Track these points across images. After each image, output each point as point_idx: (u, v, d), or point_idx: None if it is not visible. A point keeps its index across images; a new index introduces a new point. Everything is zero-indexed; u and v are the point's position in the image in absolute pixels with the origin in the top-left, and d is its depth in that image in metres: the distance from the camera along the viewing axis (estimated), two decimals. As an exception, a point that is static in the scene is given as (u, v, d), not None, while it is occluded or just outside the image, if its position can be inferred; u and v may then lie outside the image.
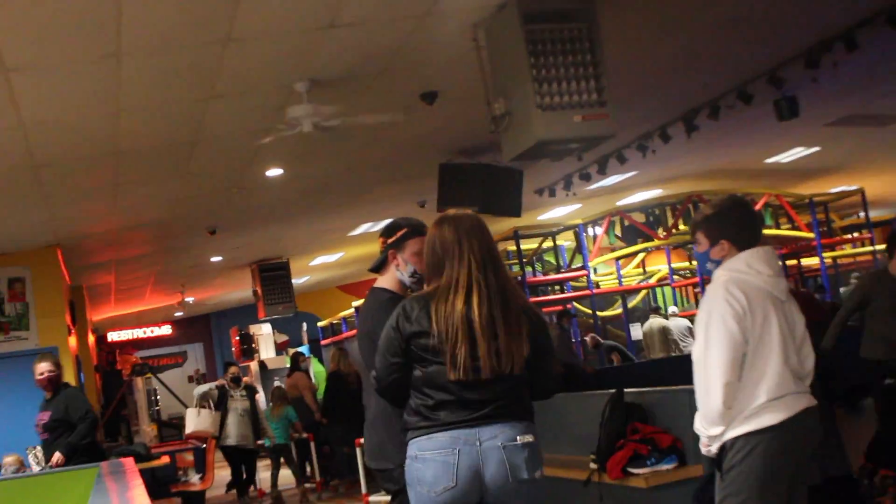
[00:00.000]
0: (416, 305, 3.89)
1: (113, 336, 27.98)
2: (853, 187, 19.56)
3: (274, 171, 11.51)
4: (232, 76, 7.87)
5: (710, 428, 3.99)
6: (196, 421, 13.84)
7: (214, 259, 17.97)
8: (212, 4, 6.45)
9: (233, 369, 14.72)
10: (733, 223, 4.21)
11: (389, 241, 4.57)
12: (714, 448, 4.03)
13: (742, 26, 8.96)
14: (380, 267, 4.62)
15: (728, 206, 4.27)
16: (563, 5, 7.21)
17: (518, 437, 3.79)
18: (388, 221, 4.74)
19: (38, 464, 10.12)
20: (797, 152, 16.13)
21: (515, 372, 3.80)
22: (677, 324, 17.94)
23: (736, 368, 3.92)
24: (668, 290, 21.59)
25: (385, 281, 4.61)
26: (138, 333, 28.48)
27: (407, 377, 3.90)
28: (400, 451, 4.00)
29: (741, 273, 4.06)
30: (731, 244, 4.16)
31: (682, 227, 16.47)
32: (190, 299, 22.81)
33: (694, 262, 19.37)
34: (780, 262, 4.22)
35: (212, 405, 13.90)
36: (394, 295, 4.50)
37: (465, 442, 3.77)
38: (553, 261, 19.92)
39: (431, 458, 3.78)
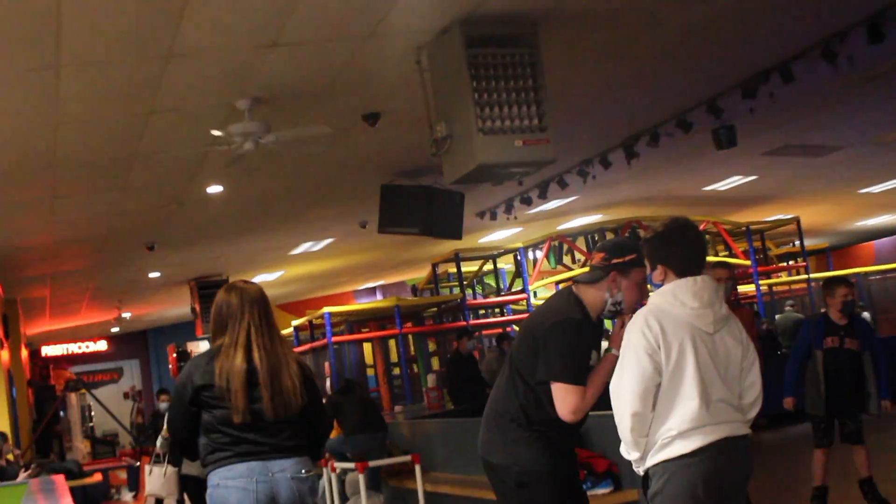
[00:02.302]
0: (203, 361, 4.47)
1: (47, 351, 27.59)
2: (789, 216, 19.89)
3: (214, 188, 11.45)
4: (173, 92, 7.82)
5: (628, 453, 4.02)
6: (149, 481, 10.47)
7: (152, 275, 17.81)
8: (154, 19, 6.42)
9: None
10: (671, 248, 4.11)
11: (615, 260, 4.42)
12: (640, 471, 4.06)
13: (681, 55, 9.08)
14: (594, 281, 4.46)
15: (665, 230, 4.17)
16: (506, 31, 7.25)
17: (303, 470, 4.48)
18: (612, 241, 4.63)
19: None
20: (735, 180, 16.35)
21: (294, 415, 4.46)
22: (616, 348, 18.03)
23: (646, 399, 3.92)
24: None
25: (586, 293, 4.46)
26: (73, 348, 28.13)
27: (196, 423, 4.45)
28: (504, 451, 4.45)
29: (664, 303, 4.04)
30: (668, 269, 4.09)
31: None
32: (127, 315, 22.58)
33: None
34: (714, 293, 4.15)
35: (164, 458, 10.29)
36: (579, 318, 4.40)
37: (259, 472, 4.38)
38: (493, 283, 19.98)
39: (234, 485, 4.36)
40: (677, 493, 3.91)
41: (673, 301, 4.02)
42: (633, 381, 3.92)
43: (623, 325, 4.28)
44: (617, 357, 4.13)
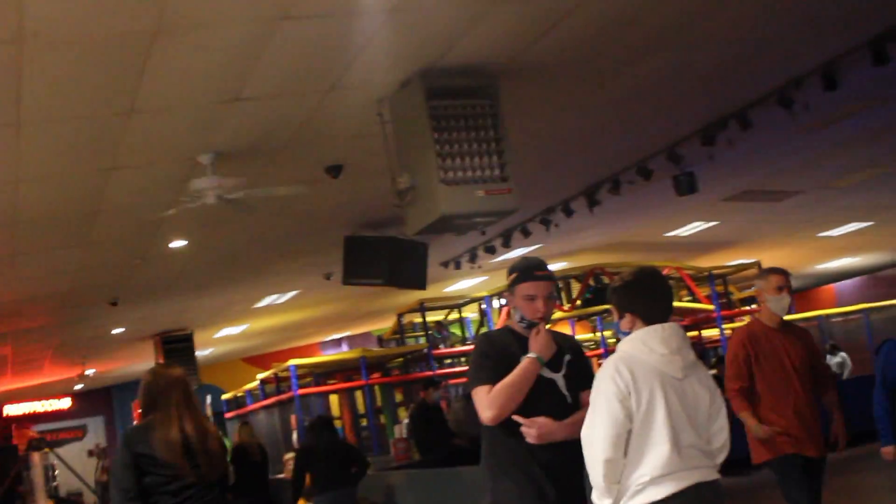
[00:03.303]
0: (141, 433, 5.22)
1: (9, 410, 27.22)
2: (751, 260, 20.03)
3: (178, 243, 11.42)
4: (135, 147, 7.83)
5: (601, 500, 4.03)
6: None
7: (116, 331, 17.67)
8: (115, 76, 6.43)
9: None
10: (638, 297, 4.17)
11: (507, 283, 4.64)
12: None
13: (640, 104, 9.19)
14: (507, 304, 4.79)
15: (633, 280, 4.22)
16: (466, 82, 7.32)
17: None
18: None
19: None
20: (696, 226, 16.49)
21: (221, 476, 5.29)
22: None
23: (618, 446, 3.94)
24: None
25: (512, 321, 4.65)
26: (36, 407, 27.76)
27: (139, 488, 5.13)
28: (498, 489, 4.47)
29: (634, 350, 4.08)
30: (635, 317, 4.13)
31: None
32: (91, 372, 22.34)
33: (597, 334, 19.57)
34: (682, 339, 4.19)
35: None
36: (513, 332, 4.57)
37: None
38: (459, 332, 19.96)
39: None
40: None
41: (642, 348, 4.06)
42: (604, 428, 3.94)
43: (542, 332, 4.48)
44: (533, 360, 4.38)
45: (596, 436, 3.97)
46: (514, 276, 4.58)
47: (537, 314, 4.51)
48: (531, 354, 4.40)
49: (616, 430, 3.93)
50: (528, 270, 4.57)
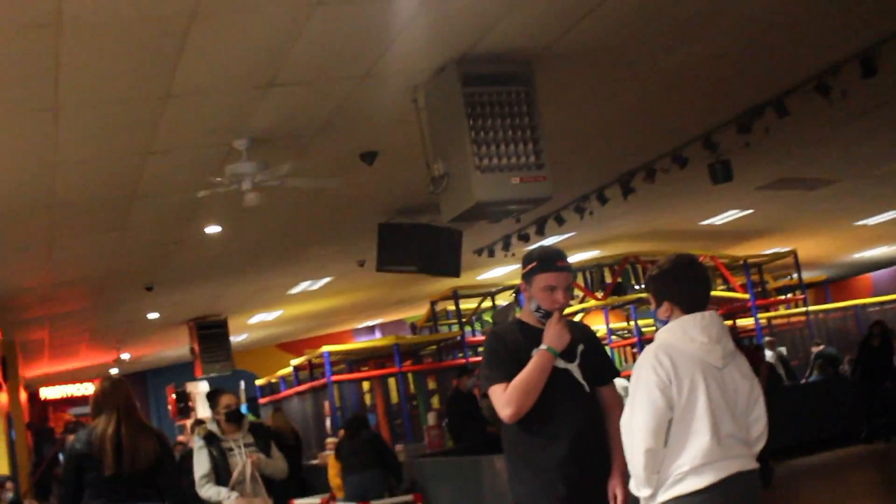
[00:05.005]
0: (84, 436, 6.13)
1: (46, 393, 27.49)
2: (786, 249, 19.91)
3: (213, 228, 11.47)
4: (171, 132, 7.86)
5: (639, 490, 4.01)
6: None
7: (151, 316, 17.80)
8: (151, 60, 6.47)
9: (226, 399, 7.99)
10: (676, 285, 4.13)
11: (522, 273, 4.56)
12: None
13: (675, 91, 9.14)
14: (521, 293, 4.69)
15: (671, 267, 4.17)
16: (502, 69, 7.30)
17: None
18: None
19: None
20: (731, 214, 16.40)
21: (145, 470, 6.09)
22: (618, 384, 17.97)
23: (658, 435, 3.92)
24: (609, 350, 21.70)
25: (524, 312, 4.60)
26: (72, 390, 28.02)
27: (80, 483, 6.09)
28: (515, 485, 4.47)
29: (674, 339, 4.05)
30: (674, 305, 4.10)
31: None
32: (126, 356, 22.53)
33: (632, 323, 19.52)
34: (721, 328, 4.16)
35: None
36: (523, 325, 4.53)
37: None
38: (492, 321, 19.95)
39: None
40: None
41: (682, 337, 4.04)
42: (645, 418, 3.91)
43: (556, 322, 4.42)
44: (545, 352, 4.34)
45: (636, 425, 3.94)
46: (532, 265, 4.49)
47: (556, 305, 4.44)
48: (543, 347, 4.35)
49: (657, 420, 3.91)
50: (550, 260, 4.48)
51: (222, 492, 7.32)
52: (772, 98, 9.49)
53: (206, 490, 7.39)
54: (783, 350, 18.27)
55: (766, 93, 9.46)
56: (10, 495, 13.06)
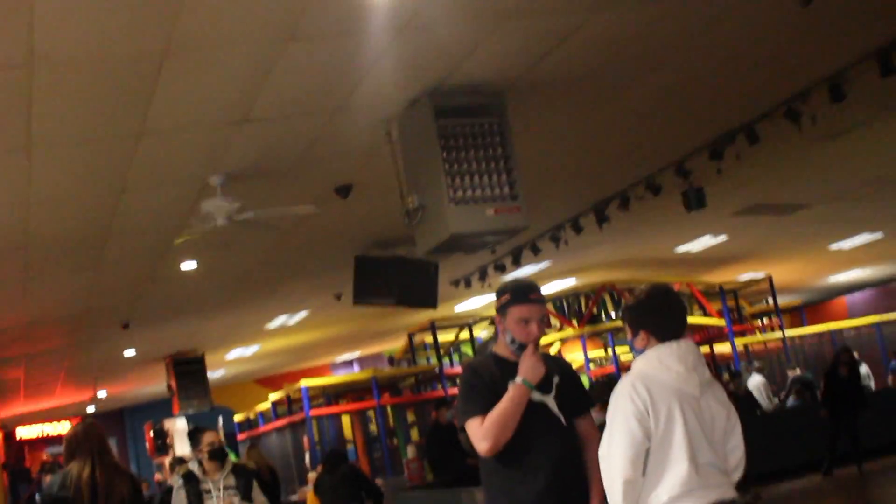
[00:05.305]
0: (59, 479, 6.18)
1: (22, 432, 27.23)
2: (761, 274, 20.00)
3: (188, 264, 11.44)
4: (145, 169, 7.86)
5: None
6: None
7: (128, 353, 17.69)
8: (124, 99, 6.47)
9: (209, 437, 7.82)
10: (651, 314, 4.13)
11: (496, 305, 4.53)
12: None
13: (647, 119, 9.20)
14: (496, 326, 4.60)
15: (646, 297, 4.19)
16: (474, 101, 7.34)
17: None
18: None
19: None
20: (706, 241, 16.46)
21: None
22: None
23: (637, 465, 3.92)
24: (584, 378, 21.72)
25: (499, 345, 4.56)
26: (49, 429, 27.76)
27: None
28: None
29: (650, 369, 4.05)
30: (650, 335, 4.09)
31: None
32: (103, 394, 22.37)
33: (609, 351, 19.55)
34: (697, 356, 4.17)
35: None
36: (498, 358, 4.50)
37: None
38: (470, 352, 19.96)
39: None
40: None
41: (658, 366, 4.04)
42: (623, 447, 3.90)
43: (531, 355, 4.38)
44: (521, 385, 4.30)
45: (614, 455, 3.94)
46: (505, 297, 4.47)
47: (530, 337, 4.42)
48: (518, 379, 4.32)
49: (635, 450, 3.90)
50: (523, 293, 4.47)
51: None
52: (743, 124, 9.56)
53: None
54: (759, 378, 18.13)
55: (737, 119, 9.54)
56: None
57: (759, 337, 21.11)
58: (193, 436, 7.73)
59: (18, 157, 7.07)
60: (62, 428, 27.78)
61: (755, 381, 17.49)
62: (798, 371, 18.49)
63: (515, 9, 6.24)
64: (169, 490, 8.92)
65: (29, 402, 22.06)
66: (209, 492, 7.43)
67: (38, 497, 20.09)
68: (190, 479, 7.48)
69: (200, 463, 7.54)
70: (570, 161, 10.21)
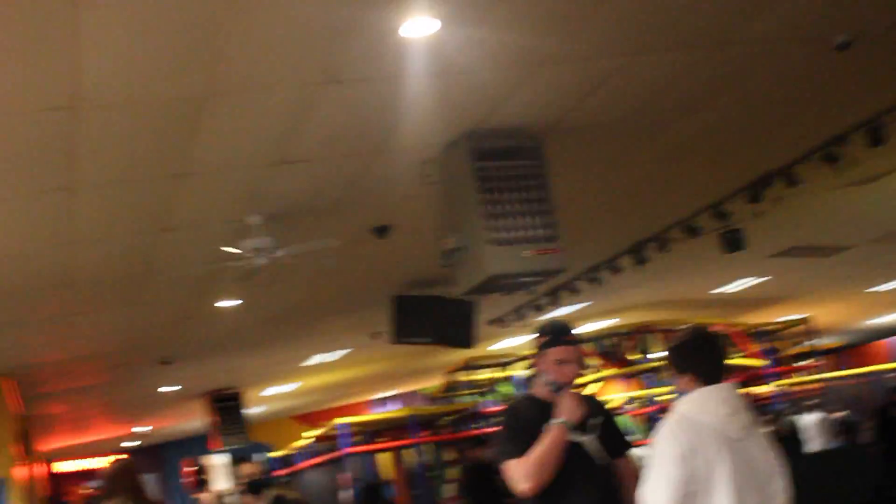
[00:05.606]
0: None
1: (63, 467, 27.38)
2: (800, 316, 19.82)
3: (228, 302, 11.53)
4: (185, 209, 7.96)
5: None
6: None
7: (167, 389, 17.79)
8: (166, 140, 6.57)
9: (248, 468, 8.39)
10: (694, 356, 4.16)
11: (534, 346, 4.60)
12: None
13: (685, 162, 9.20)
14: (534, 367, 4.66)
15: (688, 340, 4.23)
16: (512, 143, 7.37)
17: None
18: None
19: None
20: (744, 282, 16.37)
21: None
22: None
23: None
24: (625, 418, 21.55)
25: (536, 386, 4.61)
26: (88, 464, 27.89)
27: None
28: None
29: (693, 411, 4.05)
30: (692, 377, 4.12)
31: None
32: (142, 429, 22.48)
33: (648, 391, 19.41)
34: (739, 399, 4.16)
35: None
36: (535, 399, 4.55)
37: None
38: (507, 390, 19.87)
39: None
40: None
41: (701, 409, 4.03)
42: (663, 490, 3.89)
43: (569, 396, 4.42)
44: (559, 426, 4.33)
45: (655, 497, 3.93)
46: (543, 339, 4.53)
47: (567, 378, 4.47)
48: (557, 420, 4.35)
49: (675, 494, 3.88)
50: (560, 334, 4.53)
51: None
52: (781, 167, 9.54)
53: None
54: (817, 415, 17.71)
55: (775, 162, 9.52)
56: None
57: (797, 379, 20.87)
58: (234, 465, 7.90)
59: (62, 196, 7.17)
60: (100, 463, 27.93)
61: (810, 419, 17.24)
62: (839, 413, 18.25)
63: (553, 55, 6.29)
64: None
65: (69, 437, 22.22)
66: None
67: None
68: None
69: (241, 495, 7.70)
70: (607, 202, 10.22)
